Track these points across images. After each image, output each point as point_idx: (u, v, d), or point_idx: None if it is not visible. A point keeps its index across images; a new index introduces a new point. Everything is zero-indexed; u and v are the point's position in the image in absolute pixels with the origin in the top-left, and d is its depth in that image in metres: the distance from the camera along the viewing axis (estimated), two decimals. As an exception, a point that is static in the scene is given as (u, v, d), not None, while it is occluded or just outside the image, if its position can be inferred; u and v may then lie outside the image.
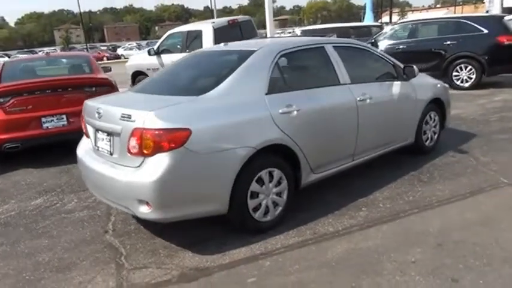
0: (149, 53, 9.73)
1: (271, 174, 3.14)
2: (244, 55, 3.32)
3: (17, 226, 3.69)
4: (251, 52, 3.34)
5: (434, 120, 4.81)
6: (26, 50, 51.23)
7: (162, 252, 3.03)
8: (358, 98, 3.75)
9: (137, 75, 10.02)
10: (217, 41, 8.62)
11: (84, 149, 3.44)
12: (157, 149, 2.66)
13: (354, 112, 3.71)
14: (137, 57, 10.89)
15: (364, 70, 4.20)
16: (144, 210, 2.74)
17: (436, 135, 4.91)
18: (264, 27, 11.36)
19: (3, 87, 5.31)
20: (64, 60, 6.82)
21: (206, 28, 8.78)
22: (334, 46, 3.82)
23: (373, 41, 9.81)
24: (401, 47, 9.42)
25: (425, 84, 4.68)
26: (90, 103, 3.32)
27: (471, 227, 3.07)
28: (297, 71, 3.74)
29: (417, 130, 4.56)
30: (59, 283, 2.75)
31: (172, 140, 2.64)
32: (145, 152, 2.69)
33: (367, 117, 3.85)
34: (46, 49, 49.77)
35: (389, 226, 3.19)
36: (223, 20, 9.30)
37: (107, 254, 3.07)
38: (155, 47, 9.63)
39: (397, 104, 4.21)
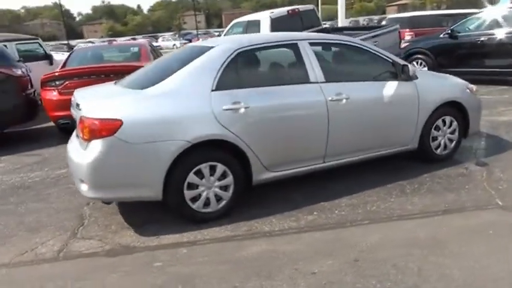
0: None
1: (213, 168, 3.25)
2: (202, 51, 3.44)
3: (32, 190, 4.41)
4: (208, 49, 3.44)
5: (451, 126, 4.30)
6: (149, 35, 56.76)
7: (112, 228, 3.39)
8: (330, 98, 3.59)
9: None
10: (274, 31, 8.68)
11: (74, 135, 3.94)
12: (93, 135, 2.98)
13: (323, 112, 3.56)
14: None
15: (349, 68, 3.97)
16: (83, 189, 3.11)
17: (454, 143, 4.39)
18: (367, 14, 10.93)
19: (58, 72, 6.22)
20: (121, 48, 7.63)
21: (264, 18, 8.89)
22: (311, 43, 3.68)
23: (450, 31, 8.84)
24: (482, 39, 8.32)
25: (435, 85, 4.21)
26: (75, 93, 3.77)
27: (408, 247, 2.80)
28: (255, 68, 3.71)
29: (422, 135, 4.15)
30: (22, 240, 3.28)
31: (104, 128, 2.94)
32: (85, 137, 3.04)
33: (343, 118, 3.67)
34: (167, 34, 54.29)
35: (323, 234, 3.08)
36: (282, 10, 9.29)
37: (72, 223, 3.53)
38: (222, 35, 10.05)
39: (388, 105, 3.89)
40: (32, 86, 6.73)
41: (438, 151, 4.32)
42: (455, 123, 4.33)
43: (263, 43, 3.59)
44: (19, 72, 6.36)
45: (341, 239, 2.97)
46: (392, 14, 15.26)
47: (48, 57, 9.39)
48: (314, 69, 3.60)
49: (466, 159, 4.42)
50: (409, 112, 4.02)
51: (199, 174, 3.22)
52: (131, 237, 3.22)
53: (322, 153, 3.68)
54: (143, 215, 3.52)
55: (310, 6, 9.71)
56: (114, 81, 4.00)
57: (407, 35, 12.04)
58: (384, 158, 4.12)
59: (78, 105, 3.28)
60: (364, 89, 3.83)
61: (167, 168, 3.07)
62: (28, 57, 8.83)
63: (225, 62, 3.33)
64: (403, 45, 9.72)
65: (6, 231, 3.47)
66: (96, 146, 2.97)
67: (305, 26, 9.22)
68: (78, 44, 25.87)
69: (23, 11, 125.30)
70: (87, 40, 25.60)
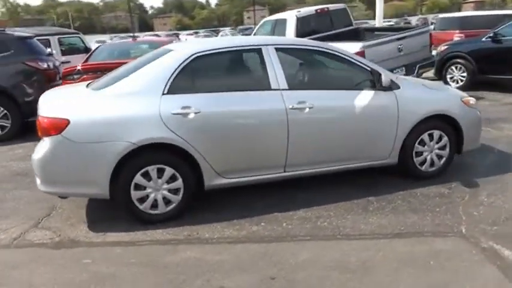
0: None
1: (161, 171, 3.29)
2: (160, 55, 3.47)
3: (28, 177, 4.74)
4: (167, 52, 3.46)
5: (440, 141, 3.97)
6: (211, 29, 58.01)
7: (71, 222, 3.55)
8: (291, 106, 3.46)
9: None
10: (300, 30, 8.50)
11: None
12: (44, 133, 3.15)
13: (283, 120, 3.45)
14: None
15: (318, 76, 3.80)
16: (38, 182, 3.30)
17: (444, 160, 4.04)
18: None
19: (80, 66, 6.62)
20: (142, 45, 7.89)
21: (290, 17, 8.72)
22: (277, 48, 3.57)
23: (493, 34, 8.09)
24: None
25: (420, 96, 3.90)
26: (43, 94, 3.92)
27: (332, 270, 2.64)
28: (212, 73, 3.64)
29: (404, 150, 3.87)
30: (-9, 226, 3.57)
31: (52, 127, 3.10)
32: (40, 134, 3.22)
33: (305, 127, 3.53)
34: (227, 29, 54.84)
35: (257, 246, 3.00)
36: (310, 9, 9.03)
37: (41, 213, 3.76)
38: (252, 34, 10.04)
39: (361, 116, 3.67)
40: (60, 78, 7.21)
41: (423, 167, 4.01)
42: (445, 138, 3.99)
43: (223, 48, 3.55)
44: (45, 65, 6.84)
45: (270, 254, 2.88)
46: (446, 14, 14.12)
47: (88, 51, 9.99)
48: (277, 75, 3.49)
49: (456, 177, 4.04)
50: (385, 124, 3.76)
51: (147, 176, 3.27)
52: (81, 231, 3.36)
53: (283, 163, 3.57)
54: (107, 212, 3.63)
55: (341, 5, 9.35)
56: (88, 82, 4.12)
57: (456, 37, 11.20)
58: (367, 170, 3.92)
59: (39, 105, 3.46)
60: (333, 97, 3.64)
61: (112, 168, 3.16)
62: (69, 50, 9.46)
63: (179, 66, 3.34)
64: (442, 48, 9.07)
65: (-17, 216, 3.78)
66: (46, 143, 3.13)
67: (335, 26, 8.92)
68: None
69: (101, 4, 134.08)
70: (131, 35, 26.58)
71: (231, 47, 3.59)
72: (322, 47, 3.72)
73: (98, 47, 7.70)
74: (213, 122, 3.32)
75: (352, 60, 3.75)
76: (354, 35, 8.92)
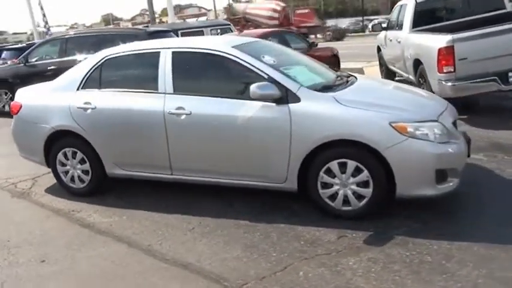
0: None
1: (75, 153, 3.96)
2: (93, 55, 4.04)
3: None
4: (95, 53, 3.99)
5: (358, 174, 3.06)
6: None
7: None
8: (169, 111, 3.45)
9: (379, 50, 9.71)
10: (419, 15, 7.14)
11: None
12: (12, 112, 4.28)
13: (160, 124, 3.49)
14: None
15: (204, 81, 3.49)
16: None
17: (365, 201, 3.10)
18: None
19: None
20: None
21: (409, 1, 7.29)
22: (175, 52, 3.56)
23: None
24: None
25: (324, 114, 3.07)
26: None
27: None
28: (116, 73, 3.85)
29: (305, 177, 3.21)
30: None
31: (13, 109, 4.20)
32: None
33: (183, 133, 3.47)
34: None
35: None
36: (439, -10, 7.23)
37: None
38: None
39: (242, 128, 3.27)
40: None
41: (334, 203, 3.19)
42: (365, 173, 3.04)
43: (130, 51, 3.80)
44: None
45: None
46: None
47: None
48: (165, 79, 3.52)
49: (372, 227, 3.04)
50: (274, 141, 3.20)
51: (66, 156, 4.00)
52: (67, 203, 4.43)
53: (167, 165, 3.62)
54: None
55: (487, -17, 7.07)
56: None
57: None
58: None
59: None
60: (213, 105, 3.36)
61: (43, 145, 4.03)
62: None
63: (93, 66, 3.85)
64: None
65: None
66: (13, 120, 4.28)
67: (475, 10, 6.95)
68: None
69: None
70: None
71: (137, 50, 3.81)
72: (219, 51, 3.43)
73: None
74: (105, 118, 3.72)
75: (249, 66, 3.31)
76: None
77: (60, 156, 4.03)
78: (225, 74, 3.52)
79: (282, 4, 28.54)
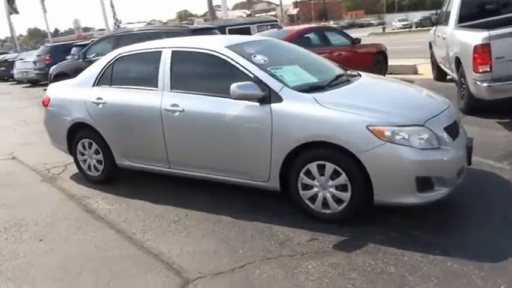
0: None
1: (91, 144, 4.31)
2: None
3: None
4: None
5: (337, 177, 3.00)
6: None
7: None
8: (165, 107, 3.62)
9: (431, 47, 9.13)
10: (465, 10, 6.65)
11: None
12: (43, 105, 4.74)
13: (158, 120, 3.68)
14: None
15: (198, 80, 3.58)
16: (51, 139, 4.98)
17: (344, 206, 3.03)
18: None
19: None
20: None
21: (458, -6, 6.73)
22: (174, 51, 3.72)
23: None
24: None
25: (302, 115, 3.03)
26: None
27: None
28: (126, 71, 4.06)
29: (286, 177, 3.22)
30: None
31: (45, 101, 4.65)
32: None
33: (178, 130, 3.64)
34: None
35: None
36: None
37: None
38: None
39: (228, 127, 3.35)
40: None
41: (315, 205, 3.16)
42: (343, 176, 2.97)
43: (140, 50, 4.02)
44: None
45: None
46: None
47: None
48: (164, 77, 3.70)
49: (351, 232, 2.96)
50: (257, 140, 3.24)
51: (83, 146, 4.37)
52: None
53: (165, 159, 3.81)
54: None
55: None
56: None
57: None
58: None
59: None
60: (204, 103, 3.46)
61: (66, 135, 4.44)
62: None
63: (107, 64, 4.15)
64: None
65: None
66: (44, 112, 4.75)
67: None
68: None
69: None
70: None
71: (143, 49, 4.01)
72: (212, 50, 3.52)
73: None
74: (113, 112, 4.00)
75: (237, 66, 3.36)
76: None
77: (79, 146, 4.40)
78: (217, 73, 3.61)
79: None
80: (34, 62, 14.75)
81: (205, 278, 2.61)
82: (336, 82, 3.54)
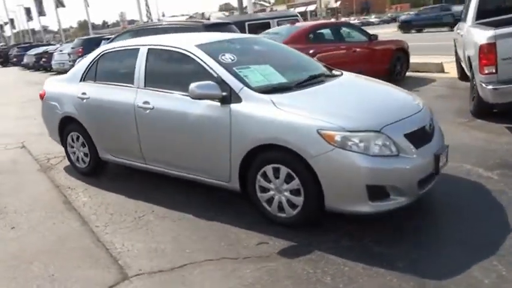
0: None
1: (78, 137, 4.46)
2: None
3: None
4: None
5: (291, 181, 2.94)
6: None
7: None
8: (138, 104, 3.68)
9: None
10: (483, 5, 6.26)
11: None
12: (40, 98, 4.96)
13: (132, 117, 3.75)
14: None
15: (169, 78, 3.60)
16: (48, 131, 5.19)
17: (297, 210, 2.97)
18: None
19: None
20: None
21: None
22: (150, 49, 3.77)
23: None
24: None
25: (257, 117, 2.98)
26: None
27: None
28: (108, 67, 4.14)
29: (245, 178, 3.19)
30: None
31: (41, 95, 4.86)
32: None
33: (148, 127, 3.70)
34: None
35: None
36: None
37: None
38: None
39: (192, 126, 3.36)
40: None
41: (271, 209, 3.11)
42: (296, 180, 2.90)
43: (120, 47, 4.09)
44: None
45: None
46: None
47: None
48: (140, 74, 3.76)
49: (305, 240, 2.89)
50: (218, 140, 3.22)
51: (72, 139, 4.54)
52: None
53: (140, 155, 3.88)
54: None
55: None
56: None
57: None
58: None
59: None
60: (171, 102, 3.48)
61: (58, 125, 4.62)
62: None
63: (93, 60, 4.27)
64: None
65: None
66: (41, 105, 4.96)
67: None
68: None
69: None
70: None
71: (126, 47, 4.08)
72: (182, 49, 3.52)
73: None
74: (95, 108, 4.12)
75: (203, 65, 3.35)
76: None
77: (69, 139, 4.58)
78: (185, 72, 3.60)
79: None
80: (68, 54, 15.43)
81: (142, 276, 2.64)
82: (306, 83, 3.45)
